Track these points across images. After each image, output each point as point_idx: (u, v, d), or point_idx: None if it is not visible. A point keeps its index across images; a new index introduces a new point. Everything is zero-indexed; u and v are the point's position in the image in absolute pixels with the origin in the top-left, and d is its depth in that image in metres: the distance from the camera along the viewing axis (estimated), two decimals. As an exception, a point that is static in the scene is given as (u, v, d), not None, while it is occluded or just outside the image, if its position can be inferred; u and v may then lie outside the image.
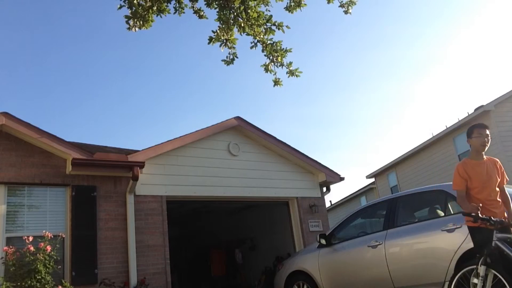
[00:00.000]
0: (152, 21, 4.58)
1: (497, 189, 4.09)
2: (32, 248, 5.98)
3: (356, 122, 54.36)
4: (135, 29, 4.47)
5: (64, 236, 6.81)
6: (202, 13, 4.84)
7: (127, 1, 4.36)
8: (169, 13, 4.65)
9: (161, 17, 4.59)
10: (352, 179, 57.95)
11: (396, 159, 19.86)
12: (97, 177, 7.38)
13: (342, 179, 10.56)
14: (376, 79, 47.03)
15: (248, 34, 4.82)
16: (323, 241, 6.27)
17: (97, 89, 43.81)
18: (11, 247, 6.02)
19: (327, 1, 4.85)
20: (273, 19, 4.75)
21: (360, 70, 47.15)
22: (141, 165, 7.44)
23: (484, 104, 14.42)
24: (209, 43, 4.78)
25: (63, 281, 6.24)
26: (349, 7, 4.92)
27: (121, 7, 4.39)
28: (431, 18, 44.16)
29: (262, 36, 4.80)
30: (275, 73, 5.01)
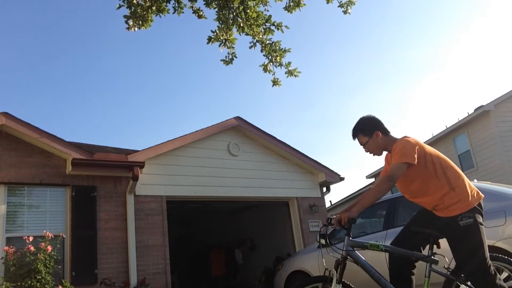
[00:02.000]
0: (151, 21, 4.59)
1: None
2: (32, 248, 5.98)
3: (357, 123, 54.10)
4: (135, 29, 4.48)
5: (64, 236, 6.82)
6: (201, 13, 4.85)
7: (126, 1, 4.37)
8: (168, 13, 4.65)
9: (160, 17, 4.60)
10: (352, 180, 57.90)
11: (396, 159, 19.80)
12: (97, 177, 7.39)
13: (342, 179, 10.56)
14: (376, 81, 47.05)
15: (247, 34, 4.83)
16: (323, 241, 6.26)
17: (97, 90, 43.85)
18: (11, 247, 6.02)
19: (326, 1, 4.86)
20: (272, 19, 4.77)
21: (360, 72, 47.17)
22: (141, 165, 7.44)
23: (484, 104, 14.41)
24: (208, 43, 4.79)
25: (63, 281, 6.24)
26: (348, 7, 4.92)
27: (120, 7, 4.40)
28: (432, 19, 44.17)
29: (261, 36, 4.81)
30: (274, 73, 5.04)
